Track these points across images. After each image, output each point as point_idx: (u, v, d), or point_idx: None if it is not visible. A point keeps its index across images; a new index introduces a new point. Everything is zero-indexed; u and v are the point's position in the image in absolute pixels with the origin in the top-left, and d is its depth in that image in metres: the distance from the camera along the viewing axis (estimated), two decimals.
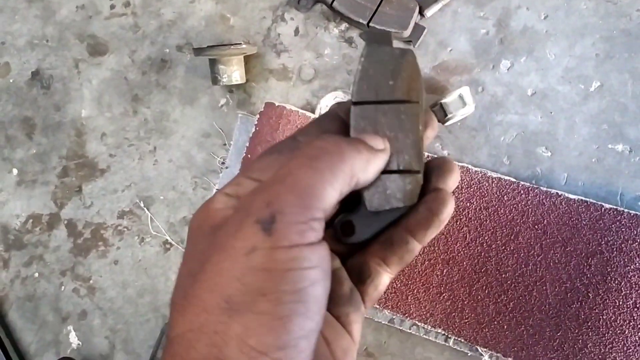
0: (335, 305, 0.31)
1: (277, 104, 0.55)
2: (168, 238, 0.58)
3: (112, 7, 0.62)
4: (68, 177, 0.61)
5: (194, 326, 0.24)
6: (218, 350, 0.23)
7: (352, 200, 0.33)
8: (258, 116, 0.56)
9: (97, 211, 0.60)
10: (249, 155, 0.55)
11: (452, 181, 0.32)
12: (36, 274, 0.61)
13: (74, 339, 0.59)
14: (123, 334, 0.58)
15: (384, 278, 0.32)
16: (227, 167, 0.57)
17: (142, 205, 0.59)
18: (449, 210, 0.31)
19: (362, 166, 0.28)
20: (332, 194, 0.26)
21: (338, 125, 0.31)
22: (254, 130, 0.55)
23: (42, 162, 0.62)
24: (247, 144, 0.56)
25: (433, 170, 0.32)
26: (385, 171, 0.31)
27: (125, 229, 0.59)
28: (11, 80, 0.64)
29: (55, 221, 0.61)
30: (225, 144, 0.58)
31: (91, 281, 0.60)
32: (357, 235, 0.32)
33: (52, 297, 0.60)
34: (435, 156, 0.33)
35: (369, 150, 0.29)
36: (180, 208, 0.59)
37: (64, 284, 0.60)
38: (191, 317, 0.24)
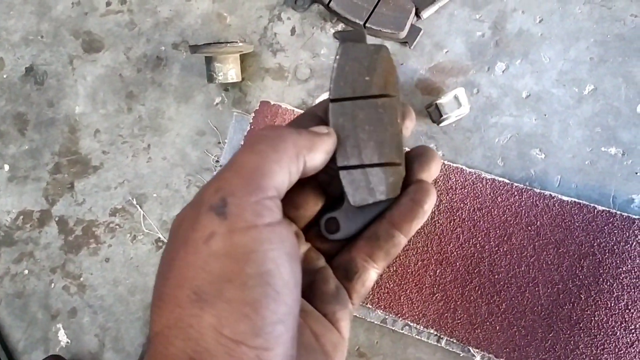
0: (321, 303, 0.31)
1: (272, 102, 0.55)
2: (160, 236, 0.58)
3: (108, 4, 0.62)
4: (60, 174, 0.61)
5: (170, 322, 0.24)
6: (195, 343, 0.23)
7: (336, 198, 0.33)
8: (253, 115, 0.55)
9: (89, 208, 0.60)
10: None
11: (434, 169, 0.33)
12: (26, 271, 0.60)
13: (63, 337, 0.58)
14: (113, 332, 0.58)
15: (371, 274, 0.33)
16: (221, 166, 0.57)
17: (134, 202, 0.59)
18: (432, 200, 0.32)
19: (306, 145, 0.28)
20: (279, 172, 0.26)
21: (316, 124, 0.32)
22: (248, 128, 0.55)
23: (35, 158, 0.62)
24: (242, 143, 0.55)
25: (414, 160, 0.33)
26: (366, 165, 0.31)
27: (117, 227, 0.59)
28: (5, 76, 0.63)
29: (46, 218, 0.61)
30: (219, 142, 0.58)
31: (81, 279, 0.59)
32: (341, 232, 0.32)
33: (41, 295, 0.59)
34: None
35: (310, 133, 0.29)
36: (173, 206, 0.58)
37: (54, 281, 0.59)
38: (167, 315, 0.24)
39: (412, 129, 0.34)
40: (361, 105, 0.31)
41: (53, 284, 0.59)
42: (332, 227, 0.32)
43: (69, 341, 0.58)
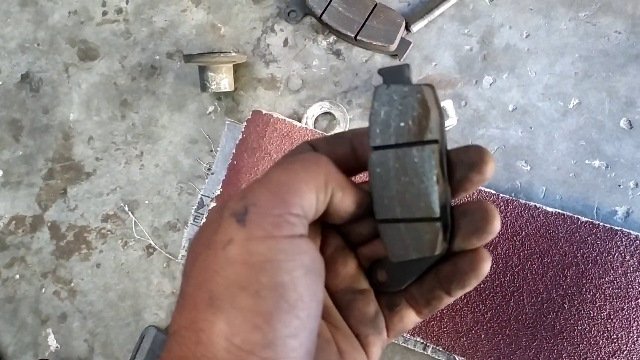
0: (356, 323, 0.31)
1: (264, 112, 0.56)
2: (151, 242, 0.58)
3: (105, 13, 0.63)
4: (53, 180, 0.61)
5: (187, 323, 0.25)
6: (204, 348, 0.23)
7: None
8: (245, 124, 0.56)
9: (82, 214, 0.60)
10: (235, 162, 0.56)
11: (491, 230, 0.29)
12: (17, 276, 0.60)
13: (52, 342, 0.59)
14: (102, 338, 0.58)
15: (412, 315, 0.32)
16: (212, 173, 0.58)
17: (126, 209, 0.59)
18: (485, 269, 0.29)
19: (337, 180, 0.28)
20: (307, 192, 0.26)
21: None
22: (240, 137, 0.56)
23: (28, 164, 0.62)
24: (234, 151, 0.56)
25: (467, 216, 0.29)
26: (401, 220, 0.29)
27: (108, 233, 0.60)
28: (0, 83, 0.64)
29: (38, 223, 0.61)
30: (212, 151, 0.59)
31: (72, 284, 0.59)
32: (390, 286, 0.31)
33: (32, 299, 0.60)
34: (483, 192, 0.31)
35: (344, 175, 0.29)
36: (164, 213, 0.59)
37: (44, 286, 0.60)
38: (185, 315, 0.25)
39: (479, 182, 0.29)
40: (396, 154, 0.29)
41: (44, 289, 0.60)
42: (379, 280, 0.32)
43: (59, 346, 0.59)
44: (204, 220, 0.56)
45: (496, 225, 0.28)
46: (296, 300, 0.24)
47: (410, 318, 0.32)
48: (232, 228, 0.25)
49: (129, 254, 0.59)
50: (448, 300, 0.31)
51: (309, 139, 0.37)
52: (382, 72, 0.30)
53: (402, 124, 0.29)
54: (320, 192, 0.27)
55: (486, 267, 0.29)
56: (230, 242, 0.24)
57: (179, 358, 0.24)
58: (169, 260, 0.58)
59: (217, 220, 0.26)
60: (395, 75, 0.29)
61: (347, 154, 0.30)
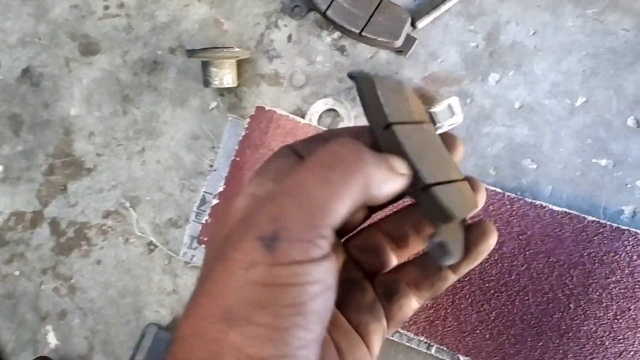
0: (354, 312, 0.31)
1: (267, 108, 0.56)
2: (153, 239, 0.58)
3: (106, 7, 0.62)
4: (54, 175, 0.61)
5: (196, 330, 0.24)
6: (213, 356, 0.23)
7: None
8: (248, 120, 0.56)
9: (82, 210, 0.60)
10: (238, 158, 0.55)
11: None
12: (17, 272, 0.60)
13: (52, 339, 0.58)
14: (102, 335, 0.57)
15: (412, 301, 0.31)
16: (215, 170, 0.57)
17: (127, 205, 0.59)
18: (491, 243, 0.30)
19: (378, 184, 0.26)
20: (342, 210, 0.25)
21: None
22: (243, 133, 0.56)
23: (28, 160, 0.61)
24: (237, 147, 0.56)
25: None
26: (444, 182, 0.29)
27: (109, 229, 0.59)
28: (1, 77, 0.63)
29: (38, 219, 0.60)
30: (214, 147, 0.58)
31: (72, 280, 0.59)
32: (455, 255, 0.29)
33: (31, 296, 0.59)
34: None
35: (389, 169, 0.27)
36: (166, 209, 0.58)
37: (44, 282, 0.59)
38: (194, 322, 0.25)
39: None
40: (414, 129, 0.30)
41: (43, 286, 0.59)
42: (441, 252, 0.28)
43: (58, 343, 0.58)
44: (208, 218, 0.56)
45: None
46: (312, 315, 0.24)
47: (410, 306, 0.32)
48: (256, 251, 0.24)
49: (130, 251, 0.58)
50: (452, 279, 0.31)
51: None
52: (355, 73, 0.30)
53: (407, 106, 0.31)
54: (355, 204, 0.25)
55: (493, 238, 0.30)
56: (254, 265, 0.24)
57: None
58: (170, 257, 0.57)
59: (239, 236, 0.25)
60: (364, 82, 0.30)
61: None
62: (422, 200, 0.28)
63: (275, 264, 0.23)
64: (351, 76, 0.30)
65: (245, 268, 0.24)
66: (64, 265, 0.59)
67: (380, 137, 0.29)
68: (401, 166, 0.27)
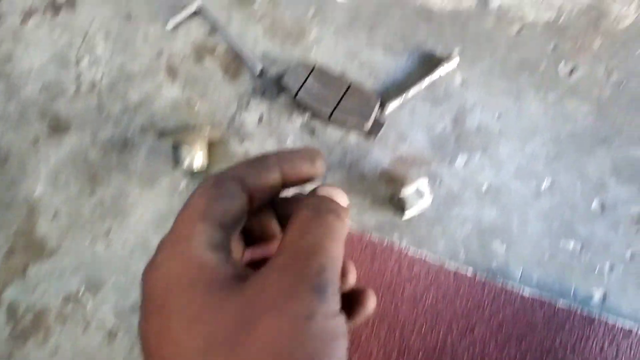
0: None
1: None
2: (113, 327, 0.55)
3: (78, 87, 0.63)
4: (14, 258, 0.59)
5: None
6: None
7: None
8: None
9: (42, 294, 0.57)
10: None
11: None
12: None
13: None
14: None
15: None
16: None
17: (88, 291, 0.57)
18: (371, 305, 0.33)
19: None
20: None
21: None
22: None
23: None
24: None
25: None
26: None
27: (69, 315, 0.56)
28: None
29: None
30: None
31: None
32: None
33: None
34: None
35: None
36: (130, 292, 0.56)
37: None
38: None
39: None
40: None
41: None
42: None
43: None
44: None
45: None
46: None
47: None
48: (313, 302, 0.24)
49: (90, 337, 0.55)
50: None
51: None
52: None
53: None
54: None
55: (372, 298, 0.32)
56: (312, 316, 0.24)
57: None
58: (132, 344, 0.55)
59: (291, 288, 0.25)
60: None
61: (278, 181, 0.30)
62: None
63: (327, 315, 0.24)
64: None
65: (307, 318, 0.24)
66: (20, 352, 0.56)
67: None
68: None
